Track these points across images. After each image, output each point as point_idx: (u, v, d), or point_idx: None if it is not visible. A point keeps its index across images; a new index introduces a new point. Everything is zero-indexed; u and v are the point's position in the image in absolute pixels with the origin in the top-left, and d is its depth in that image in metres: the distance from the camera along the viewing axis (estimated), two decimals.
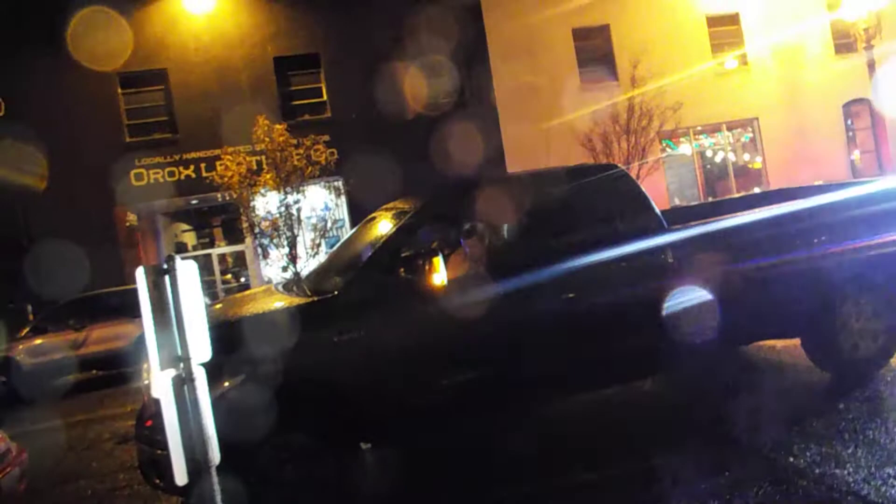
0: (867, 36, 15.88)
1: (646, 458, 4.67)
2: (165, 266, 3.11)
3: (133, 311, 4.17)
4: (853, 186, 6.31)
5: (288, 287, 5.75)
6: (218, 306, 5.92)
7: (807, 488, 3.93)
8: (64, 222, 15.51)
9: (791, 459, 4.33)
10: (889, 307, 5.79)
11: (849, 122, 22.66)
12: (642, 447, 4.90)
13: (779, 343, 6.83)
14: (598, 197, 5.43)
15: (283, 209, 14.45)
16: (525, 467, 4.88)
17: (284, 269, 14.56)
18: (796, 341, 6.09)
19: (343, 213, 18.23)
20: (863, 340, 5.72)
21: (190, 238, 21.04)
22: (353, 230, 6.52)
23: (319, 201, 16.94)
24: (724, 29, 21.55)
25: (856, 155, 22.82)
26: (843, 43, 21.61)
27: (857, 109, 22.34)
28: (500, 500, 4.52)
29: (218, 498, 3.17)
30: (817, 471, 4.11)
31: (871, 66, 15.98)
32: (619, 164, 8.81)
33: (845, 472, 4.04)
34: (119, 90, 17.83)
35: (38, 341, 12.07)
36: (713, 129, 21.92)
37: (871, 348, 5.76)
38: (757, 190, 18.89)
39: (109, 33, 16.60)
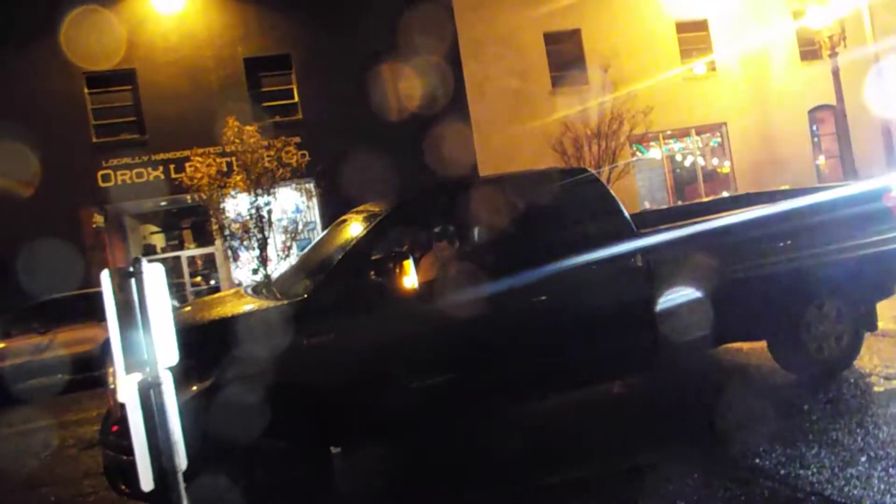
0: (832, 43, 16.19)
1: (612, 461, 4.71)
2: (131, 269, 3.07)
3: (99, 315, 4.11)
4: (818, 191, 6.42)
5: (258, 290, 5.71)
6: (186, 309, 5.86)
7: (772, 489, 3.98)
8: (29, 224, 15.21)
9: (756, 460, 4.38)
10: (853, 310, 5.90)
11: (814, 127, 23.11)
12: (609, 450, 4.95)
13: (745, 345, 6.93)
14: (569, 200, 5.46)
15: (253, 211, 14.33)
16: (499, 469, 4.89)
17: (255, 271, 14.44)
18: (762, 343, 6.18)
19: (314, 215, 18.12)
20: (827, 343, 5.83)
21: (159, 240, 20.79)
22: (324, 233, 6.49)
23: (290, 203, 16.82)
24: (693, 35, 21.88)
25: (821, 160, 23.28)
26: (809, 50, 22.07)
27: (822, 115, 22.80)
28: (470, 503, 4.53)
29: None
30: (782, 472, 4.17)
31: (836, 73, 16.29)
32: (590, 168, 8.88)
33: (809, 472, 4.11)
34: (86, 90, 17.56)
35: (2, 345, 11.83)
36: (682, 134, 22.22)
37: (835, 350, 5.86)
38: (725, 194, 19.15)
39: (77, 33, 16.34)
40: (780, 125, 21.99)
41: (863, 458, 4.19)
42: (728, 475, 4.21)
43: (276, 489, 4.32)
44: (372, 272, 4.79)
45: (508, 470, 4.84)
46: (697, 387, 6.18)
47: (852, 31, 17.66)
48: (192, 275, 19.55)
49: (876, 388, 5.57)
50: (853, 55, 18.32)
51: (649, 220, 6.64)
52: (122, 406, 3.30)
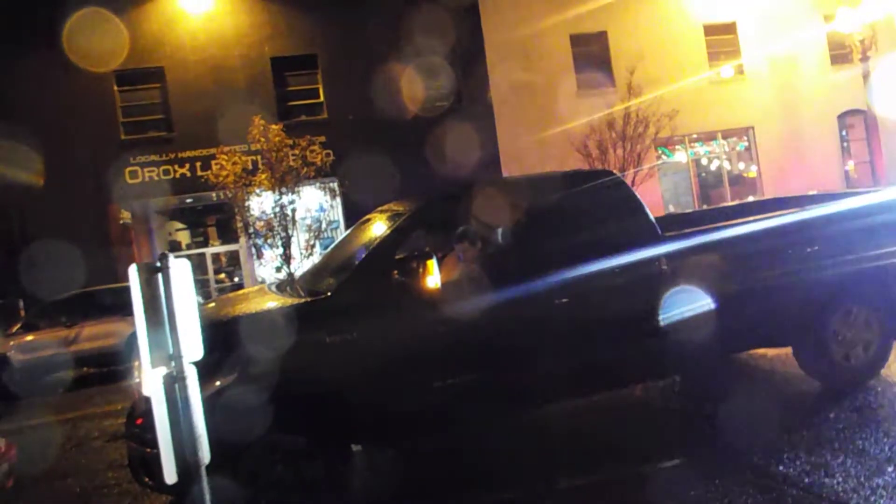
0: (863, 47, 15.97)
1: (635, 465, 4.68)
2: (159, 264, 3.10)
3: (125, 309, 4.19)
4: (847, 197, 6.33)
5: (281, 287, 5.74)
6: (211, 305, 5.91)
7: (796, 497, 3.93)
8: (58, 219, 15.48)
9: (780, 468, 4.33)
10: (881, 318, 5.81)
11: (843, 132, 22.79)
12: (632, 453, 4.91)
13: (770, 351, 6.85)
14: (593, 203, 5.44)
15: (277, 209, 14.42)
16: (514, 471, 4.88)
17: (278, 269, 14.54)
18: (788, 350, 6.10)
19: (338, 214, 18.22)
20: (854, 350, 5.74)
21: (184, 237, 21.00)
22: (348, 232, 6.52)
23: (314, 202, 16.91)
24: (720, 38, 21.66)
25: (850, 165, 22.94)
26: (839, 54, 21.74)
27: (851, 120, 22.46)
28: (487, 503, 4.52)
29: (207, 497, 3.16)
30: (807, 480, 4.12)
31: (867, 77, 16.06)
32: (615, 171, 8.83)
33: (835, 481, 4.05)
34: (115, 88, 17.82)
35: (30, 338, 12.02)
36: (709, 138, 22.01)
37: (863, 358, 5.77)
38: (751, 198, 18.95)
39: (106, 31, 16.60)
40: (809, 130, 21.72)
41: (890, 468, 4.13)
42: (751, 482, 4.16)
43: (295, 485, 4.35)
44: (395, 271, 4.80)
45: (521, 473, 4.83)
46: (721, 392, 6.11)
47: (884, 35, 17.39)
48: (217, 271, 19.72)
49: None
50: (884, 60, 18.05)
51: (674, 224, 6.58)
52: (147, 399, 3.34)
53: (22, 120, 14.99)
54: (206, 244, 20.23)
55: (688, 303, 5.13)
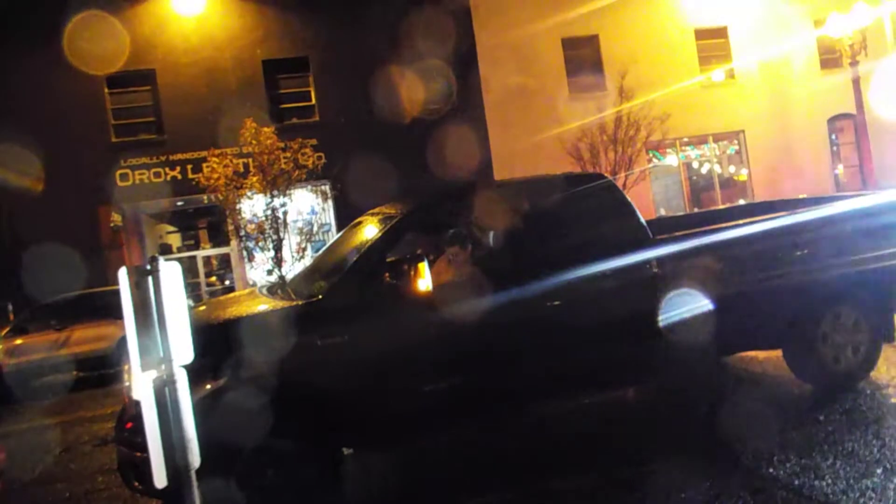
0: (852, 52, 16.08)
1: (626, 467, 4.68)
2: (149, 267, 3.09)
3: (116, 313, 4.17)
4: (837, 201, 6.36)
5: (272, 290, 5.73)
6: (201, 308, 5.89)
7: (786, 499, 3.94)
8: (48, 221, 15.39)
9: (771, 470, 4.35)
10: (870, 320, 5.84)
11: (833, 136, 22.93)
12: (620, 456, 4.92)
13: (761, 354, 6.87)
14: (585, 206, 5.45)
15: (269, 212, 14.39)
16: (507, 474, 4.89)
17: (269, 272, 14.50)
18: (778, 353, 6.13)
19: (329, 217, 18.19)
20: (844, 353, 5.77)
21: (175, 240, 20.93)
22: (339, 234, 6.51)
23: (306, 205, 16.89)
24: (712, 42, 21.75)
25: (840, 169, 23.09)
26: (829, 59, 21.88)
27: (841, 124, 22.61)
28: None
29: (197, 502, 3.15)
30: (796, 482, 4.14)
31: (856, 82, 16.17)
32: (606, 174, 8.84)
33: (824, 483, 4.07)
34: (106, 90, 17.74)
35: (19, 341, 11.93)
36: (700, 141, 22.10)
37: (852, 361, 5.80)
38: (742, 202, 19.03)
39: (97, 33, 16.52)
40: (799, 133, 21.84)
41: (879, 470, 4.15)
42: (741, 484, 4.18)
43: (287, 489, 4.34)
44: (387, 274, 4.80)
45: (516, 474, 4.84)
46: (711, 395, 6.13)
47: (873, 40, 17.53)
48: (208, 275, 19.67)
49: (893, 400, 5.51)
50: (874, 64, 18.18)
51: (665, 227, 6.60)
52: (137, 403, 3.32)
53: (11, 123, 14.90)
54: (197, 247, 20.17)
55: (679, 306, 5.15)
